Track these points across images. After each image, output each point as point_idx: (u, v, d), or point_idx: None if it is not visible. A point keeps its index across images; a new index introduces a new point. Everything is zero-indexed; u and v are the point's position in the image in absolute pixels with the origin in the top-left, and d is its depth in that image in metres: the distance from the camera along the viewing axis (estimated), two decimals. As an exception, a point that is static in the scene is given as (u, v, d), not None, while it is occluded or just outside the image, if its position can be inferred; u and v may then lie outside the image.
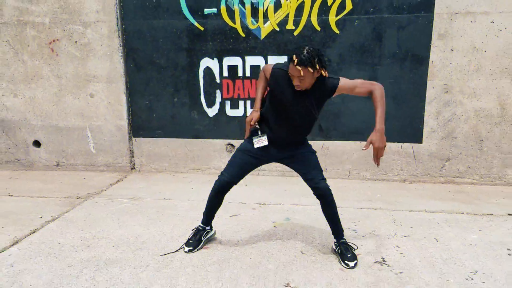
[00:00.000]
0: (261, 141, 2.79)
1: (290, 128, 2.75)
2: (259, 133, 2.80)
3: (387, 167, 4.66)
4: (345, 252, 2.82)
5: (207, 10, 4.59)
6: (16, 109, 5.04)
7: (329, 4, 4.42)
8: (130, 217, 3.64)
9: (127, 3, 4.69)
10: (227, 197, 3.03)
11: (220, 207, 3.05)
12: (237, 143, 4.71)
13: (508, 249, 3.02)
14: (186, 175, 4.88)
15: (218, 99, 4.77)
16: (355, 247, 2.94)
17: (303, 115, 2.70)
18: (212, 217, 3.09)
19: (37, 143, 5.11)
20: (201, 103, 4.81)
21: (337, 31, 4.48)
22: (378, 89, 2.60)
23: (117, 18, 4.70)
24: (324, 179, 2.79)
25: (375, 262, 2.83)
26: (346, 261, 2.78)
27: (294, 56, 2.47)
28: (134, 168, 5.07)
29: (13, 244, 3.10)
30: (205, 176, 4.85)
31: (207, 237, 3.08)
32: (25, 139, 5.10)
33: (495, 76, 4.34)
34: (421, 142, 4.58)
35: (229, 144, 4.86)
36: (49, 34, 4.81)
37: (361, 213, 3.71)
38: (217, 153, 4.90)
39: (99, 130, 4.97)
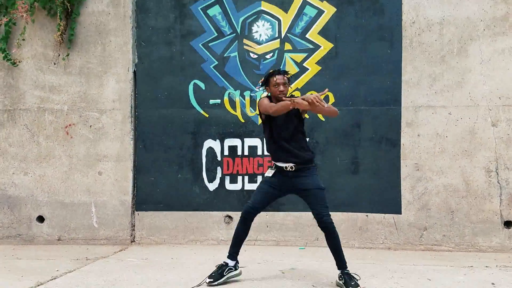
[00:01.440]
0: (270, 172, 3.45)
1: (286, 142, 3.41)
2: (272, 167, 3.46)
3: (373, 236, 5.10)
4: (348, 281, 3.20)
5: (212, 101, 5.33)
6: (24, 186, 5.30)
7: (315, 96, 5.28)
8: (145, 269, 3.84)
9: (141, 95, 5.38)
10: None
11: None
12: (235, 214, 5.06)
13: (493, 283, 3.45)
14: (185, 246, 5.10)
15: (219, 175, 5.27)
16: (358, 278, 3.28)
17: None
18: (238, 249, 3.41)
19: (40, 218, 5.28)
20: (203, 179, 5.27)
21: (322, 119, 5.24)
22: None
23: (131, 107, 5.33)
24: (328, 215, 3.34)
25: (382, 292, 3.17)
26: None
27: None
28: (134, 241, 5.25)
29: (38, 286, 3.24)
30: (203, 247, 5.08)
31: (230, 274, 3.33)
32: (30, 215, 5.27)
33: (457, 157, 5.10)
34: (400, 213, 5.10)
35: (227, 216, 5.22)
36: (66, 120, 5.32)
37: (358, 266, 4.00)
38: (216, 224, 5.22)
39: (103, 205, 5.25)
